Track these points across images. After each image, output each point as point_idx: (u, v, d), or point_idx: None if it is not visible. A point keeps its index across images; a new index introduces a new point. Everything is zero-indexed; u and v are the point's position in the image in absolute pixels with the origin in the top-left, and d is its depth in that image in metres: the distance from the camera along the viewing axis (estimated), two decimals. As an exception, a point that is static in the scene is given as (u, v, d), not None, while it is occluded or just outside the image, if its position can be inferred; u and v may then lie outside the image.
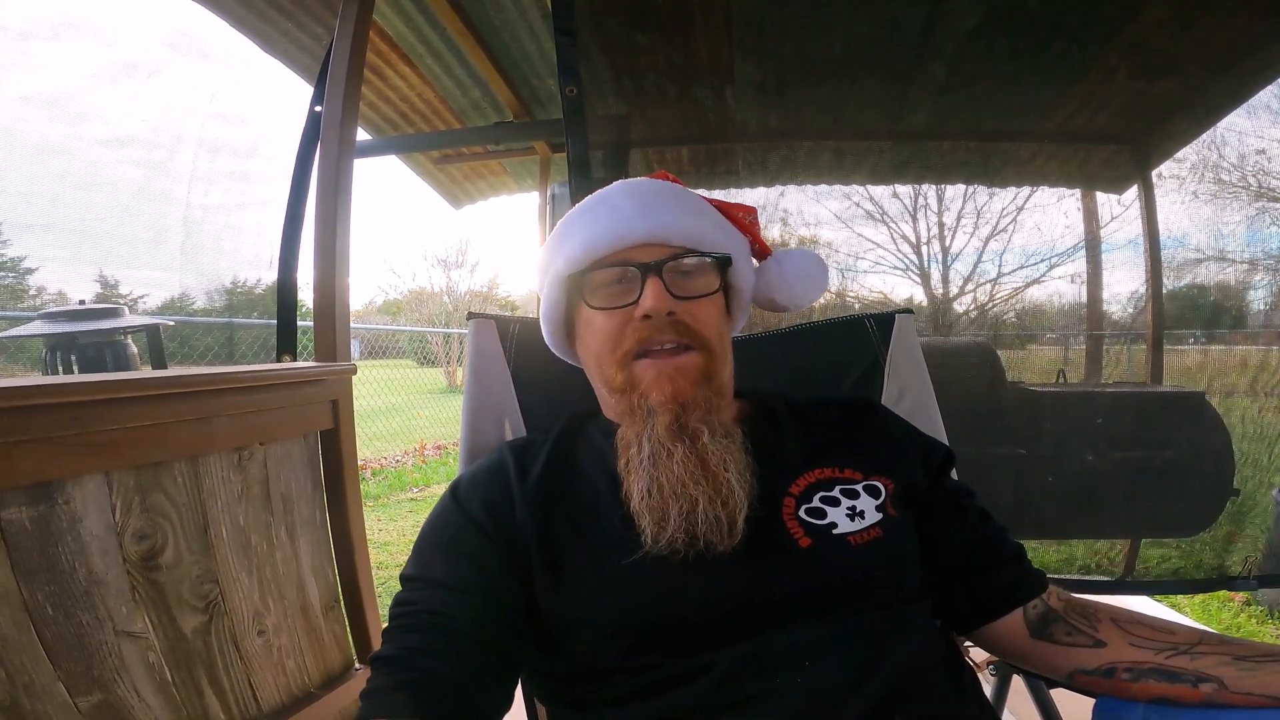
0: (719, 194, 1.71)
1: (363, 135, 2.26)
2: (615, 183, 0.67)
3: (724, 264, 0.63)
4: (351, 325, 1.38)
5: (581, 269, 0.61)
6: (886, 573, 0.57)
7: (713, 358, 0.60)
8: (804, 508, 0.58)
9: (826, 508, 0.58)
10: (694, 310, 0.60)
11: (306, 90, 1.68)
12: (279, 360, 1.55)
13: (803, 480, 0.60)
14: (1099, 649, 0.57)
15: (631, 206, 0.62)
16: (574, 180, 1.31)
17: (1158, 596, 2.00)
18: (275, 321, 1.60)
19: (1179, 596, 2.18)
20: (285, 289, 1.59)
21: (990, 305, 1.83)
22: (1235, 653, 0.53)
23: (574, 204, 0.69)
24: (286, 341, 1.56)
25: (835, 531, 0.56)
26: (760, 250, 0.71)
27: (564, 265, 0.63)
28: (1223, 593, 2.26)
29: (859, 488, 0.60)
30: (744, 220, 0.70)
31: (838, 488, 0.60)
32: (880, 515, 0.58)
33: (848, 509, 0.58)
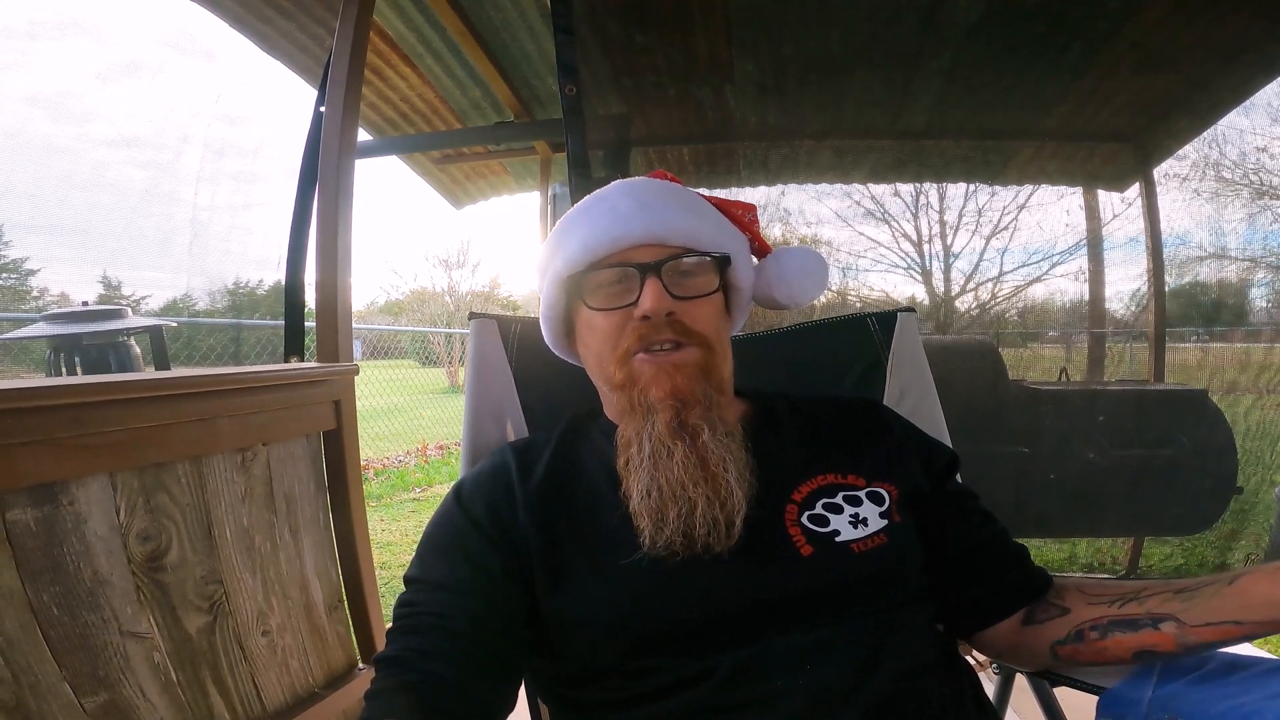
0: (720, 193, 1.71)
1: (364, 136, 2.26)
2: (613, 183, 0.67)
3: (723, 263, 0.63)
4: (354, 326, 1.38)
5: (580, 269, 0.61)
6: (889, 578, 0.57)
7: (711, 354, 0.60)
8: (806, 514, 0.58)
9: (829, 515, 0.58)
10: (692, 310, 0.60)
11: (312, 90, 1.68)
12: (287, 361, 1.55)
13: (805, 487, 0.60)
14: (1065, 616, 0.58)
15: (629, 206, 0.62)
16: (573, 179, 1.31)
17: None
18: (279, 322, 1.59)
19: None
20: (293, 290, 1.58)
21: (992, 304, 1.83)
22: (1174, 588, 0.54)
23: (574, 202, 0.69)
24: (294, 343, 1.56)
25: (838, 539, 0.56)
26: (760, 248, 0.71)
27: (563, 265, 0.63)
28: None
29: (861, 494, 0.60)
30: (743, 218, 0.69)
31: (840, 494, 0.60)
32: (884, 522, 0.58)
33: (850, 516, 0.58)
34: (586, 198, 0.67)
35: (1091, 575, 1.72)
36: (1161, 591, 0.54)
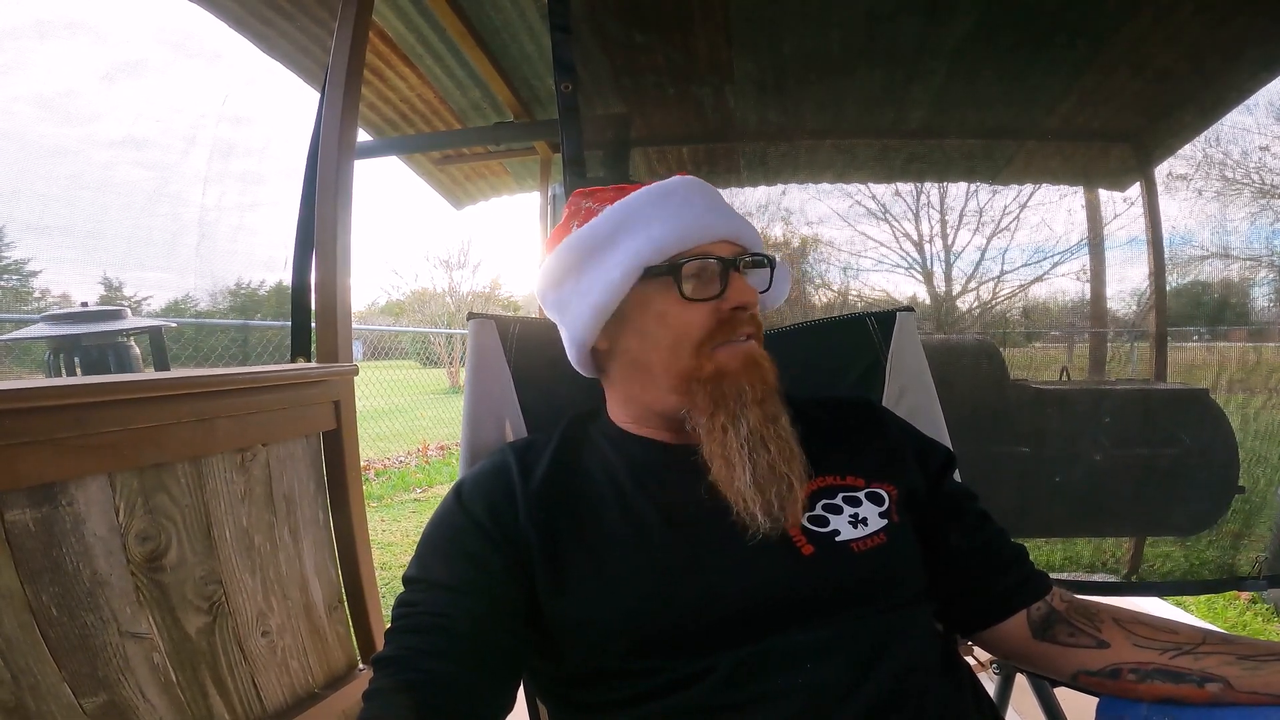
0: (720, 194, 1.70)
1: (364, 136, 2.26)
2: (676, 178, 0.65)
3: (772, 265, 0.65)
4: (354, 326, 1.38)
5: (669, 256, 0.60)
6: (889, 578, 0.57)
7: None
8: (806, 515, 0.58)
9: (829, 515, 0.58)
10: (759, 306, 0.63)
11: (315, 91, 1.68)
12: (294, 361, 1.55)
13: (805, 488, 0.60)
14: (1102, 650, 0.57)
15: (704, 203, 0.63)
16: (568, 178, 1.30)
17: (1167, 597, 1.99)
18: (278, 323, 1.59)
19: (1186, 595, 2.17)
20: (300, 290, 1.57)
21: (993, 303, 1.82)
22: (1239, 652, 0.52)
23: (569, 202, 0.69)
24: (301, 343, 1.55)
25: (838, 539, 0.56)
26: None
27: (650, 252, 0.60)
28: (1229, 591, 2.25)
29: (861, 494, 0.60)
30: None
31: (840, 495, 0.60)
32: (884, 522, 0.58)
33: (850, 516, 0.58)
34: (649, 188, 0.64)
35: (1095, 578, 1.72)
36: (1223, 652, 0.53)
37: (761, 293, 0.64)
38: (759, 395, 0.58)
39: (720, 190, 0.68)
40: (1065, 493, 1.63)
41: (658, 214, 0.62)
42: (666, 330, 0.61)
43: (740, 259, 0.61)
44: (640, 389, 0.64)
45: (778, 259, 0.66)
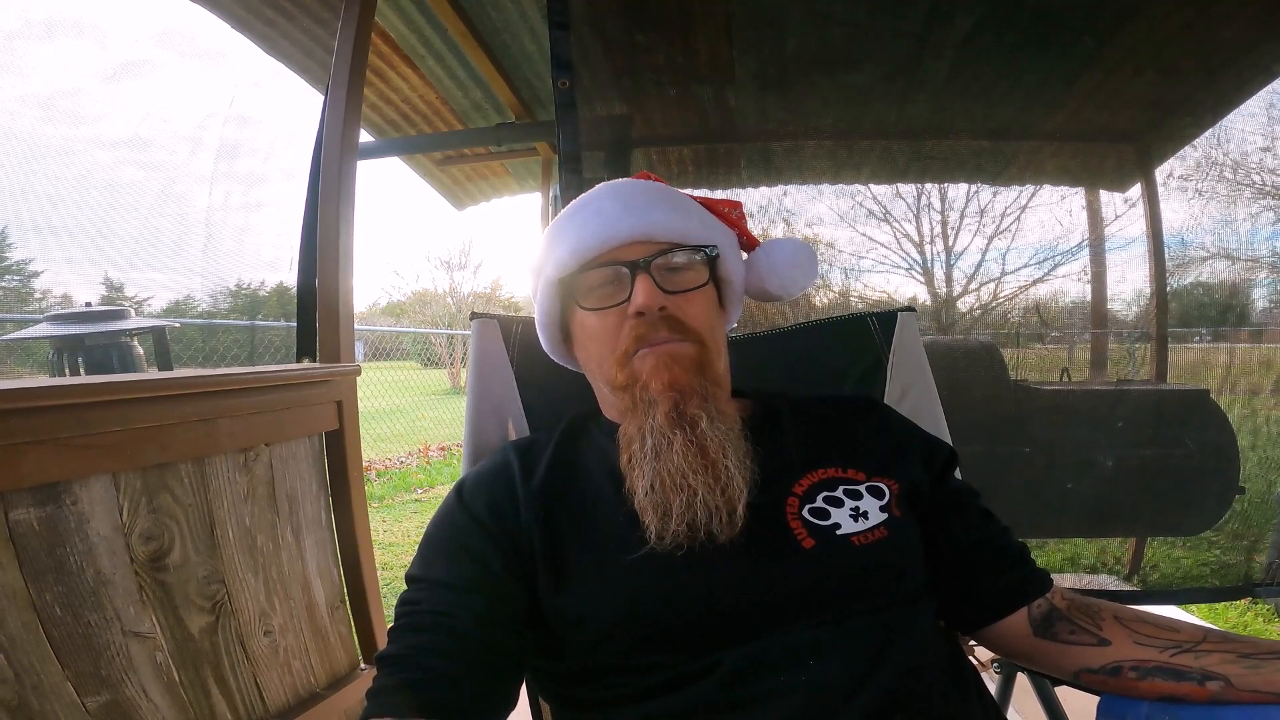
0: (720, 194, 1.71)
1: (366, 137, 2.27)
2: (597, 185, 0.67)
3: (712, 257, 0.64)
4: (355, 327, 1.39)
5: (571, 272, 0.62)
6: (890, 573, 0.57)
7: (706, 349, 0.60)
8: (807, 508, 0.58)
9: (830, 508, 0.58)
10: (684, 304, 0.60)
11: (318, 92, 1.68)
12: (299, 362, 1.55)
13: (806, 480, 0.60)
14: (1104, 648, 0.57)
15: (615, 207, 0.62)
16: (564, 176, 1.29)
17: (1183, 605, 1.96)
18: (278, 323, 1.59)
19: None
20: (305, 291, 1.57)
21: (994, 304, 1.82)
22: (1239, 650, 0.52)
23: (564, 200, 0.70)
24: (306, 343, 1.55)
25: (839, 532, 0.56)
26: (748, 242, 0.71)
27: (553, 270, 0.63)
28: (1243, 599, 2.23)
29: (862, 488, 0.60)
30: (729, 214, 0.70)
31: (841, 488, 0.60)
32: (885, 515, 0.58)
33: (851, 509, 0.58)
34: (573, 203, 0.67)
35: (1106, 586, 1.71)
36: (1224, 650, 0.53)
37: (695, 288, 0.61)
38: (672, 399, 0.57)
39: (720, 191, 0.68)
40: (1065, 492, 1.63)
41: (568, 228, 0.63)
42: (590, 340, 0.63)
43: (650, 259, 0.59)
44: (599, 392, 0.69)
45: (717, 248, 0.63)
